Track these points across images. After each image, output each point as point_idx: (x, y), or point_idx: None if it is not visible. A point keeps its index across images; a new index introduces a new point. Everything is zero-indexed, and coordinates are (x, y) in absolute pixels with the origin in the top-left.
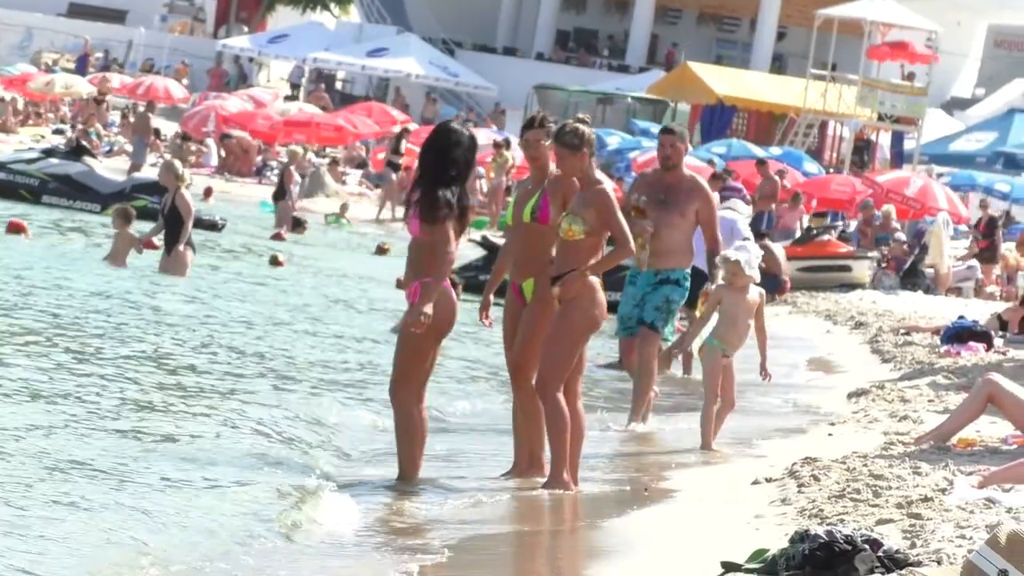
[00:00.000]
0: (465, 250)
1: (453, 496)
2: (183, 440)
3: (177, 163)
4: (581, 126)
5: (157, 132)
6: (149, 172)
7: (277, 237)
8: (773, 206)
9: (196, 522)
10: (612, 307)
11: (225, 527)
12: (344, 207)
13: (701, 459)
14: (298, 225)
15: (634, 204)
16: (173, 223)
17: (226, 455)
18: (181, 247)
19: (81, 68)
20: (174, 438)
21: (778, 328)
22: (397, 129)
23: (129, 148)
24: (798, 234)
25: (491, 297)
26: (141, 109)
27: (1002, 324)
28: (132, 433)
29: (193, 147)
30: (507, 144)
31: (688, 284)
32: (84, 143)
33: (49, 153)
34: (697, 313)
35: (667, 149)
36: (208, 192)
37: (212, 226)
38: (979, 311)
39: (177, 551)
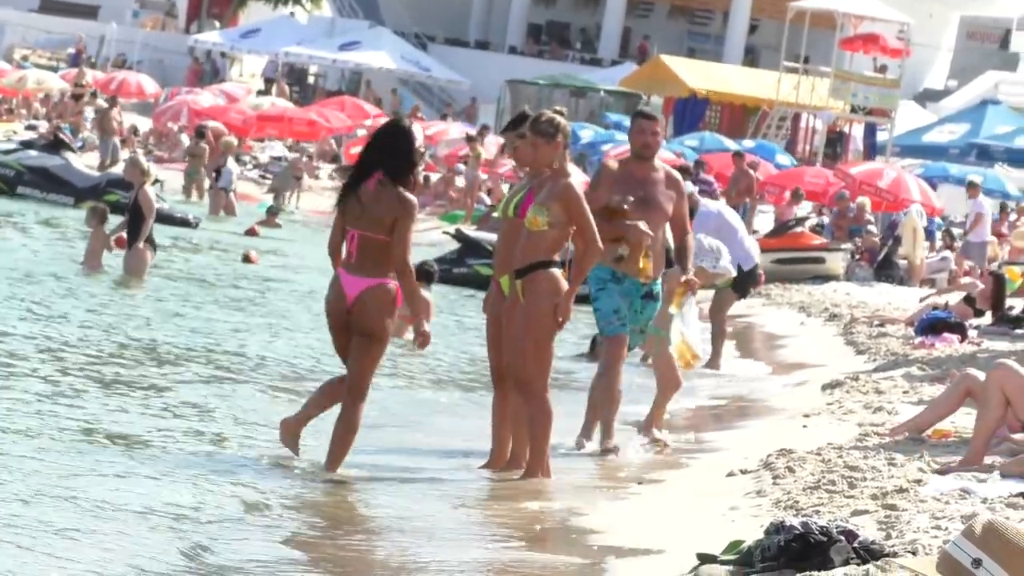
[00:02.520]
0: (443, 242)
1: (426, 490)
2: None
3: (143, 159)
4: (557, 116)
5: (134, 129)
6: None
7: (251, 232)
8: (748, 200)
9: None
10: (587, 299)
11: None
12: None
13: (674, 450)
14: (272, 213)
15: (616, 206)
16: (135, 220)
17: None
18: (140, 244)
19: (74, 65)
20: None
21: (753, 320)
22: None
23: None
24: None
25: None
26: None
27: (970, 302)
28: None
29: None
30: (481, 137)
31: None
32: (63, 137)
33: (28, 145)
34: (674, 305)
35: (648, 136)
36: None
37: (185, 223)
38: (948, 296)
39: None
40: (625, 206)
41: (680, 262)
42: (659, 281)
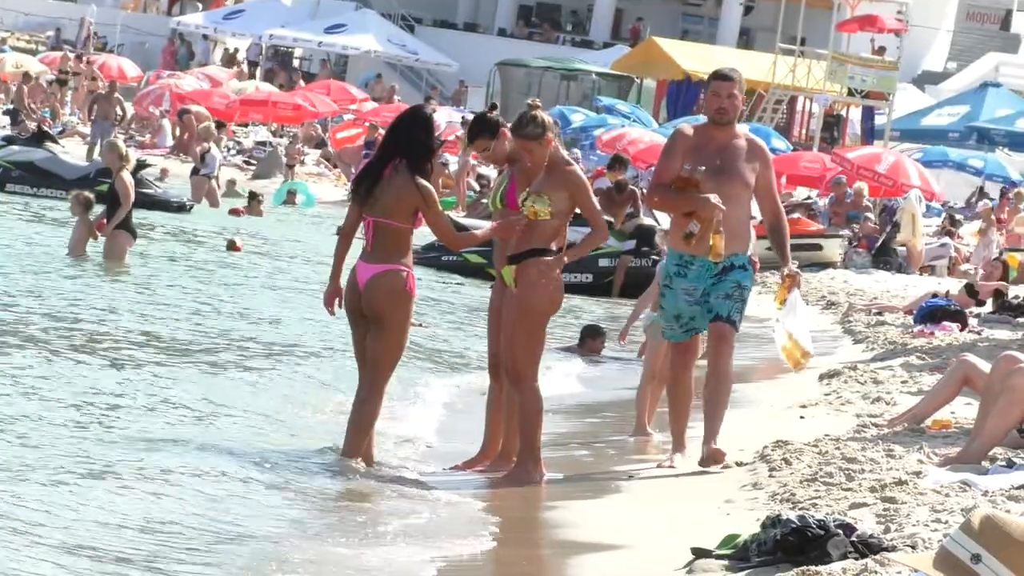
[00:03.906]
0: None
1: (420, 482)
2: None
3: (120, 143)
4: (538, 113)
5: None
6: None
7: (235, 212)
8: None
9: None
10: (579, 289)
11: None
12: (293, 192)
13: (665, 443)
14: (252, 198)
15: (686, 176)
16: (113, 206)
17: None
18: (114, 231)
19: (77, 46)
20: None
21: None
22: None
23: (82, 129)
24: None
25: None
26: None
27: (971, 293)
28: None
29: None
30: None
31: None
32: (45, 128)
33: (10, 140)
34: (778, 302)
35: (723, 100)
36: (164, 173)
37: (180, 208)
38: (950, 285)
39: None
40: (695, 176)
41: (778, 250)
42: (742, 255)
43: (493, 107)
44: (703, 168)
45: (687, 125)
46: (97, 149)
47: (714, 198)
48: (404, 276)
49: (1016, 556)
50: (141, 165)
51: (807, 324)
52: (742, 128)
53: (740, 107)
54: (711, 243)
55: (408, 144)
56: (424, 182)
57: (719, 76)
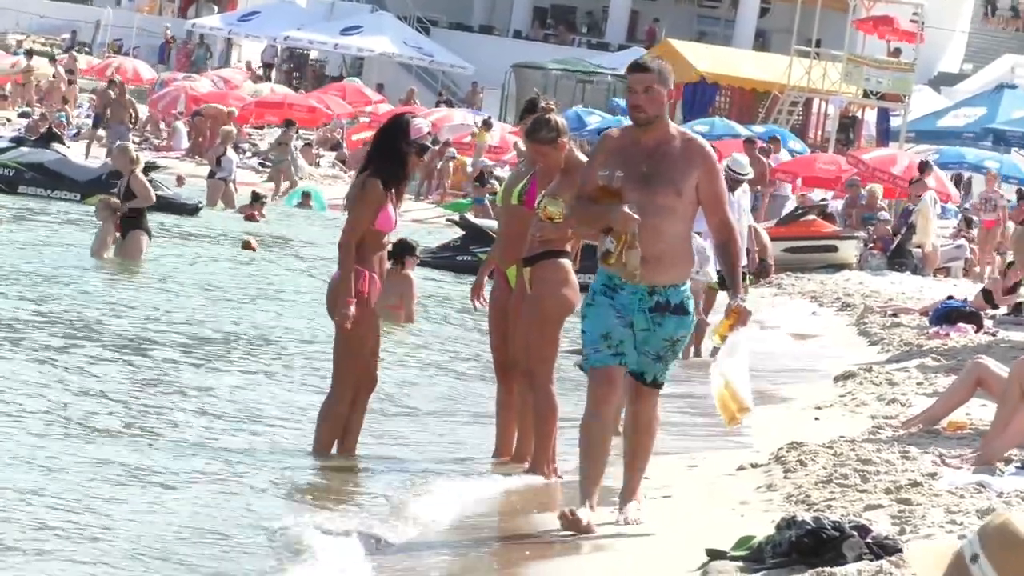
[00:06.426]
0: (444, 231)
1: (428, 481)
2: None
3: (130, 146)
4: (552, 117)
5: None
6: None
7: (250, 218)
8: (759, 188)
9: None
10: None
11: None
12: (307, 195)
13: (681, 445)
14: (256, 199)
15: (603, 184)
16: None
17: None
18: (134, 231)
19: (162, 56)
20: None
21: (763, 311)
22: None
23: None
24: None
25: (485, 278)
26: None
27: (988, 299)
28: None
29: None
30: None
31: (692, 306)
32: (55, 130)
33: (19, 142)
34: (718, 337)
35: (639, 96)
36: (180, 181)
37: (195, 210)
38: (967, 290)
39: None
40: (612, 185)
41: (727, 275)
42: (681, 289)
43: (549, 110)
44: (620, 174)
45: (615, 128)
46: None
47: (628, 208)
48: (356, 274)
49: (1012, 561)
50: (150, 167)
51: (745, 371)
52: (679, 128)
53: (664, 103)
54: (623, 260)
55: (383, 150)
56: (366, 179)
57: (634, 67)
